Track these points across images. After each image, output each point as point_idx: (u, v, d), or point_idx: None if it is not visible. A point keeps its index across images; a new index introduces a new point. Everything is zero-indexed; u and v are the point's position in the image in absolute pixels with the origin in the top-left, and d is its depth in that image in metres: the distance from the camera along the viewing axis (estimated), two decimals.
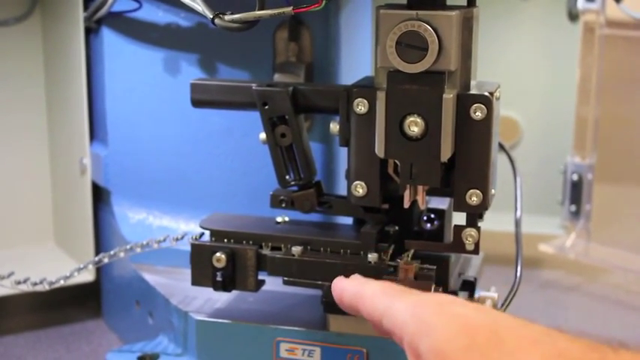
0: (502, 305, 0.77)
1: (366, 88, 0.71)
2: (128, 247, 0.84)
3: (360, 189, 0.73)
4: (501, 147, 0.82)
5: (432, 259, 0.73)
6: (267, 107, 0.76)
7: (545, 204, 1.25)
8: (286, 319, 0.79)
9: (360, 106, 0.71)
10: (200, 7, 0.77)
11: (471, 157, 0.69)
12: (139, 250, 0.84)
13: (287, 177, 0.78)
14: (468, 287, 0.80)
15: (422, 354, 0.51)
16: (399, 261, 0.73)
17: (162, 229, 0.95)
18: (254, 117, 0.77)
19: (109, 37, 0.95)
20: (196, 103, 0.80)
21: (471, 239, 0.72)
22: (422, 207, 0.74)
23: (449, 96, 0.67)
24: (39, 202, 1.12)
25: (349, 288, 0.65)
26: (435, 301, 0.55)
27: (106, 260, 0.85)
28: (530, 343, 0.49)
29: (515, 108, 1.26)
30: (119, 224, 0.97)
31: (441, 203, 0.80)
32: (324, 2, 0.69)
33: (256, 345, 0.78)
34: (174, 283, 0.89)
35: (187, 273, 0.79)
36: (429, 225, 0.80)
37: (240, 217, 0.82)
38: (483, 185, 0.70)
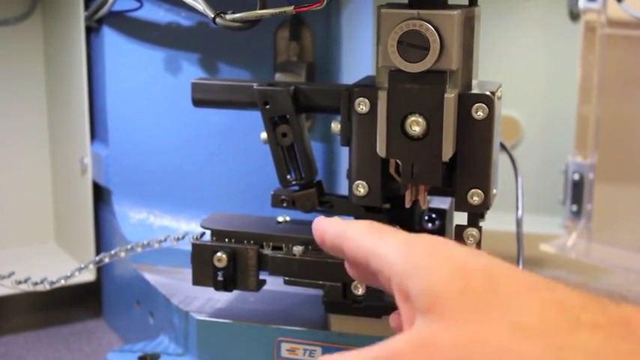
0: None
1: (367, 87, 0.71)
2: (129, 246, 0.84)
3: (361, 188, 0.73)
4: (502, 147, 0.82)
5: None
6: (268, 107, 0.75)
7: (547, 204, 1.25)
8: (287, 319, 0.79)
9: (362, 106, 0.70)
10: (201, 7, 0.77)
11: (473, 157, 0.69)
12: (139, 249, 0.84)
13: (288, 176, 0.78)
14: None
15: (411, 295, 0.48)
16: None
17: (163, 228, 0.95)
18: (255, 116, 0.77)
19: (109, 36, 0.95)
20: (197, 102, 0.80)
21: (472, 239, 0.72)
22: (423, 207, 0.73)
23: (450, 95, 0.67)
24: (40, 202, 1.12)
25: (331, 227, 0.58)
26: (427, 241, 0.51)
27: (106, 260, 0.85)
28: (529, 289, 0.46)
29: (516, 107, 1.26)
30: (120, 224, 0.97)
31: (443, 203, 0.80)
32: (325, 1, 0.69)
33: (257, 345, 0.78)
34: (175, 283, 0.89)
35: (188, 273, 0.79)
36: (430, 225, 0.80)
37: (241, 216, 0.82)
38: (485, 185, 0.70)
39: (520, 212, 0.84)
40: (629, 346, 0.43)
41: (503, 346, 0.44)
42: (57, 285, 0.87)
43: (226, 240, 0.78)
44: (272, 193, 0.79)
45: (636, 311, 0.45)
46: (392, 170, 0.72)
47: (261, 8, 0.73)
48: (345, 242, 0.56)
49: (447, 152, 0.68)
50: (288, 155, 0.77)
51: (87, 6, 0.96)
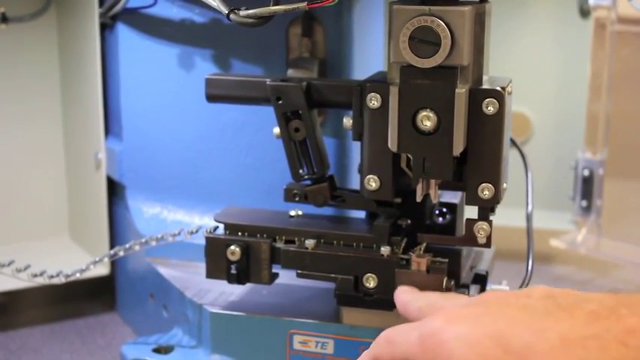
0: None
1: (379, 83, 0.71)
2: (143, 240, 0.85)
3: (373, 183, 0.73)
4: (513, 142, 0.82)
5: (444, 253, 0.74)
6: (281, 102, 0.76)
7: (557, 199, 1.25)
8: (300, 312, 0.80)
9: (373, 101, 0.71)
10: (215, 3, 0.78)
11: (483, 151, 0.70)
12: (153, 243, 0.85)
13: (300, 171, 0.78)
14: (480, 281, 0.81)
15: None
16: (412, 254, 0.74)
17: (176, 222, 0.96)
18: (268, 112, 0.77)
19: (124, 32, 0.96)
20: (211, 98, 0.80)
21: (482, 233, 0.73)
22: (434, 201, 0.74)
23: (461, 91, 0.67)
24: (55, 197, 1.13)
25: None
26: (439, 323, 0.54)
27: (121, 254, 0.86)
28: (533, 337, 0.49)
29: (527, 104, 1.27)
30: (134, 218, 0.98)
31: (453, 197, 0.81)
32: None
33: (270, 337, 0.79)
34: (189, 276, 0.90)
35: (202, 266, 0.80)
36: (441, 219, 0.80)
37: (254, 210, 0.83)
38: (495, 179, 0.70)
39: (530, 208, 0.85)
40: None
41: None
42: (72, 278, 0.88)
43: (239, 234, 0.79)
44: (285, 187, 0.80)
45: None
46: (403, 165, 0.73)
47: (274, 4, 0.74)
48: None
49: (458, 147, 0.68)
50: (301, 150, 0.78)
51: (101, 3, 0.96)
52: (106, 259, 0.89)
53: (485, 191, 0.71)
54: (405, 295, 0.65)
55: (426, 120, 0.68)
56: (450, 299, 0.61)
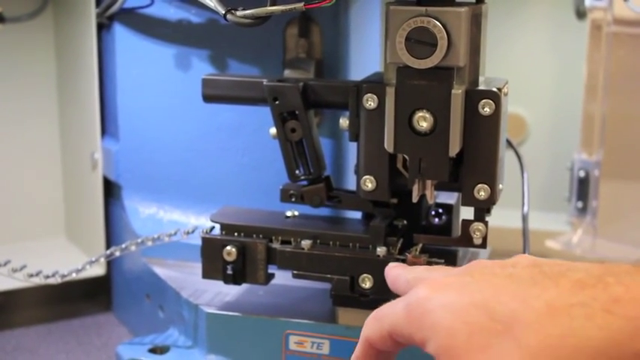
0: None
1: (375, 83, 0.72)
2: (139, 240, 0.85)
3: (369, 183, 0.74)
4: (509, 143, 0.83)
5: (440, 253, 0.74)
6: (277, 102, 0.76)
7: (552, 200, 1.25)
8: (295, 312, 0.80)
9: (370, 102, 0.71)
10: (212, 3, 0.78)
11: (479, 152, 0.70)
12: (149, 243, 0.85)
13: (297, 172, 0.78)
14: None
15: (435, 356, 0.51)
16: (408, 255, 0.74)
17: (172, 223, 0.96)
18: (264, 112, 0.78)
19: (120, 33, 0.96)
20: (207, 98, 0.80)
21: (478, 233, 0.73)
22: (430, 201, 0.74)
23: (457, 91, 0.68)
24: (51, 197, 1.13)
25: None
26: (424, 292, 0.54)
27: (117, 254, 0.86)
28: (519, 305, 0.49)
29: (523, 105, 1.27)
30: (130, 218, 0.98)
31: (449, 198, 0.81)
32: None
33: (266, 337, 0.79)
34: (185, 277, 0.90)
35: (198, 266, 0.80)
36: (437, 219, 0.81)
37: (251, 211, 0.83)
38: (491, 180, 0.71)
39: (526, 209, 0.85)
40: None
41: None
42: (68, 278, 0.88)
43: (236, 234, 0.79)
44: (281, 187, 0.80)
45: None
46: (399, 165, 0.73)
47: (271, 5, 0.74)
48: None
49: (454, 148, 0.69)
50: (297, 150, 0.78)
51: (98, 3, 0.96)
52: (102, 259, 0.89)
53: (481, 192, 0.71)
54: (394, 270, 0.64)
55: (422, 121, 0.68)
56: (437, 270, 0.61)
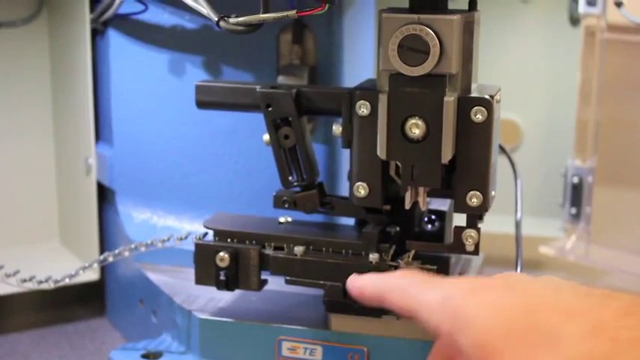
0: None
1: (368, 90, 0.72)
2: (133, 246, 0.85)
3: (362, 190, 0.74)
4: (502, 149, 0.83)
5: (432, 260, 0.74)
6: (270, 109, 0.76)
7: (546, 206, 1.25)
8: (288, 318, 0.80)
9: (363, 109, 0.72)
10: (205, 10, 0.78)
11: (472, 159, 0.70)
12: (143, 249, 0.85)
13: (290, 178, 0.79)
14: None
15: (464, 350, 0.51)
16: (400, 261, 0.74)
17: (166, 228, 0.96)
18: (258, 118, 0.78)
19: (115, 38, 0.96)
20: (201, 104, 0.81)
21: (471, 240, 0.73)
22: (423, 208, 0.74)
23: (450, 99, 0.68)
24: (44, 202, 1.13)
25: (371, 282, 0.64)
26: (463, 290, 0.55)
27: (110, 259, 0.86)
28: (564, 320, 0.49)
29: (517, 111, 1.27)
30: (124, 224, 0.98)
31: (442, 204, 0.81)
32: (327, 6, 0.70)
33: (259, 343, 0.79)
34: (178, 282, 0.90)
35: (191, 272, 0.80)
36: (429, 226, 0.81)
37: (244, 217, 0.83)
38: (483, 187, 0.71)
39: (519, 215, 0.85)
40: None
41: None
42: (61, 284, 0.88)
43: (229, 240, 0.79)
44: (274, 194, 0.80)
45: None
46: (392, 172, 0.73)
47: (264, 12, 0.74)
48: (389, 296, 0.60)
49: (447, 155, 0.69)
50: (290, 157, 0.78)
51: (92, 8, 0.97)
52: (96, 265, 0.89)
53: (474, 199, 0.71)
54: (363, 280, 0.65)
55: (415, 128, 0.69)
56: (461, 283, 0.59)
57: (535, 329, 0.49)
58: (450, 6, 0.71)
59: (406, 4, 0.70)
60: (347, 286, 0.68)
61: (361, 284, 0.65)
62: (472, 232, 0.73)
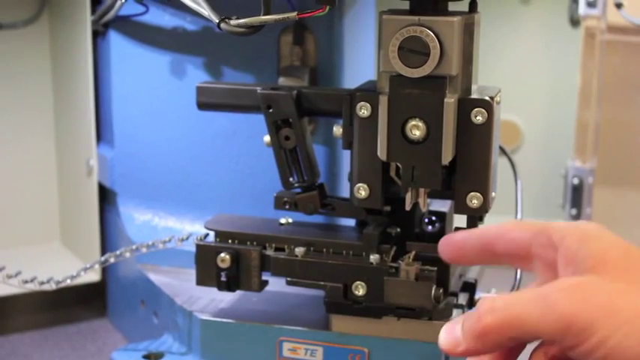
0: None
1: (368, 92, 0.72)
2: (134, 247, 0.85)
3: (362, 191, 0.74)
4: (502, 150, 0.83)
5: (433, 261, 0.74)
6: (271, 110, 0.77)
7: (546, 207, 1.26)
8: (289, 319, 0.80)
9: (363, 110, 0.72)
10: (206, 12, 0.79)
11: (472, 161, 0.70)
12: (144, 250, 0.85)
13: (291, 179, 0.79)
14: (469, 289, 0.81)
15: (579, 258, 0.53)
16: (401, 262, 0.74)
17: (167, 229, 0.96)
18: (259, 120, 0.78)
19: (116, 40, 0.96)
20: (202, 105, 0.81)
21: None
22: (423, 209, 0.75)
23: (450, 100, 0.68)
24: (46, 203, 1.13)
25: (473, 234, 0.59)
26: (592, 224, 0.57)
27: (112, 260, 0.86)
28: None
29: (517, 112, 1.27)
30: (125, 225, 0.99)
31: (442, 206, 0.81)
32: (327, 7, 0.70)
33: (259, 344, 0.79)
34: (179, 283, 0.90)
35: (192, 273, 0.80)
36: (430, 227, 0.81)
37: (245, 218, 0.83)
38: (484, 188, 0.71)
39: (520, 216, 0.85)
40: None
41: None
42: (63, 285, 0.88)
43: (230, 241, 0.79)
44: (275, 195, 0.80)
45: None
46: (392, 173, 0.73)
47: (265, 14, 0.74)
48: (506, 235, 0.57)
49: (447, 156, 0.69)
50: (291, 158, 0.78)
51: (94, 10, 0.97)
52: (97, 266, 0.89)
53: (474, 200, 0.71)
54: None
55: (415, 129, 0.69)
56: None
57: None
58: (452, 9, 0.71)
59: (407, 6, 0.70)
60: (440, 245, 0.61)
61: (461, 238, 0.60)
62: None
